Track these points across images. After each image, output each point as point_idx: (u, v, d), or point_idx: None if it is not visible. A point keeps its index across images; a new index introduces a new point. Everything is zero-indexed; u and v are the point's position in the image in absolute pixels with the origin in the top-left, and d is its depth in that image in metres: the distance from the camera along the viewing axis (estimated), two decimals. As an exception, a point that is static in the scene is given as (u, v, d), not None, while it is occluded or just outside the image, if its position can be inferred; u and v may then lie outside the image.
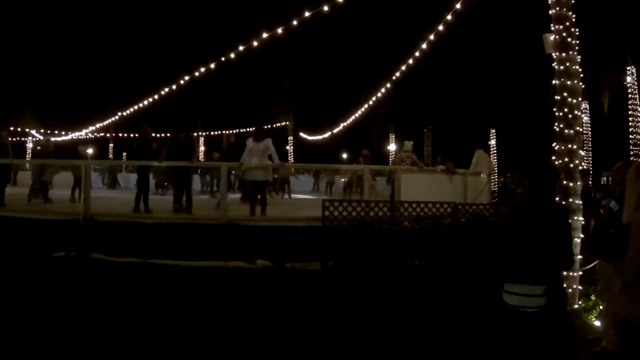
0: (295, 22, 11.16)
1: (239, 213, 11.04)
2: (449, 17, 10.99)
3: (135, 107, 17.51)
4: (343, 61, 41.94)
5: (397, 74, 14.92)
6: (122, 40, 42.53)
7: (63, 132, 34.52)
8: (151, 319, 6.47)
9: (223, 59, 12.67)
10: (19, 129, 34.49)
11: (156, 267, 9.18)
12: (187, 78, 13.88)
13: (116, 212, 11.16)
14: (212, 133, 36.07)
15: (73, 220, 10.52)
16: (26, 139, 36.84)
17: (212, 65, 12.91)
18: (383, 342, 5.90)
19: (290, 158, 34.55)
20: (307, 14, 11.02)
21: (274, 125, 36.30)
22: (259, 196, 11.41)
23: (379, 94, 17.53)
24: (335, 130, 25.35)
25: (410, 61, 13.62)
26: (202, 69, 13.27)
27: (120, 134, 35.85)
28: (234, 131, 33.09)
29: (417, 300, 7.52)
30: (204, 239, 9.84)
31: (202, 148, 37.05)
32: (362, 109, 20.50)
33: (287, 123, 36.30)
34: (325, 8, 10.62)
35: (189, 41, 46.62)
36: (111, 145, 38.51)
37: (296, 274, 9.31)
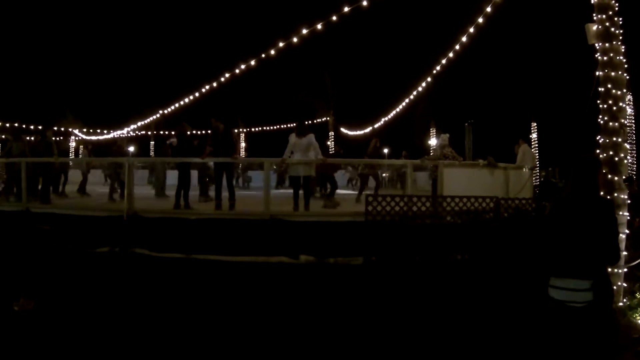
0: (334, 18, 11.20)
1: (281, 208, 11.11)
2: (488, 9, 10.86)
3: (176, 105, 17.85)
4: (383, 55, 41.57)
5: (438, 68, 14.81)
6: (161, 38, 43.14)
7: (105, 131, 35.41)
8: (194, 312, 6.65)
9: (263, 55, 12.74)
10: (62, 129, 35.33)
11: (199, 263, 9.34)
12: (227, 75, 13.99)
13: (159, 208, 11.43)
14: (253, 129, 36.43)
15: (117, 216, 10.80)
16: (69, 138, 37.86)
17: (252, 62, 12.99)
18: (427, 337, 5.93)
19: (331, 153, 34.61)
20: (346, 8, 11.03)
21: (315, 121, 36.46)
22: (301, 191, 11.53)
23: (420, 88, 17.44)
24: (376, 125, 25.14)
25: (451, 54, 13.51)
26: (242, 66, 13.36)
27: (162, 132, 36.46)
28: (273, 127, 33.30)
29: (460, 296, 7.50)
30: (246, 234, 9.95)
31: (242, 144, 37.55)
32: (403, 104, 20.40)
33: (328, 118, 36.43)
34: (365, 3, 10.62)
35: (229, 38, 47.17)
36: (152, 142, 39.13)
37: (339, 269, 9.35)
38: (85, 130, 38.23)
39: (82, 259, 9.60)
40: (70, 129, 37.88)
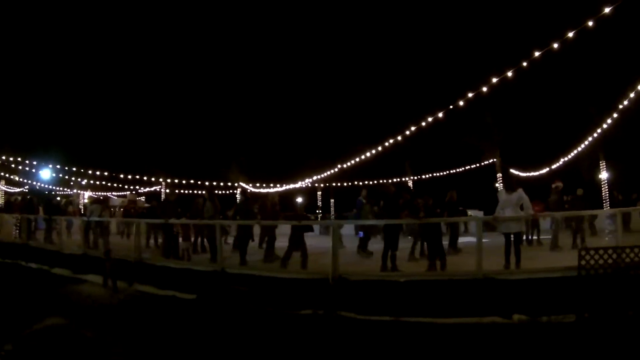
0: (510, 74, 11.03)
1: (491, 267, 10.66)
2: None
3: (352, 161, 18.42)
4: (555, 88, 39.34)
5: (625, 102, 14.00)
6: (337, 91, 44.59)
7: (272, 185, 37.06)
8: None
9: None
10: (228, 183, 37.43)
11: (408, 325, 9.10)
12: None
13: (364, 270, 11.35)
14: (422, 177, 36.11)
15: (321, 279, 10.87)
16: (235, 191, 40.08)
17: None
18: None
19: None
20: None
21: (481, 164, 35.52)
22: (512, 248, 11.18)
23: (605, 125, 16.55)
24: (554, 166, 23.98)
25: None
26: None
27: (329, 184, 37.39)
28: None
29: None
30: (457, 294, 9.73)
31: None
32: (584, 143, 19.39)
33: (495, 160, 35.18)
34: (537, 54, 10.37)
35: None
36: (319, 193, 40.23)
37: (552, 327, 8.93)
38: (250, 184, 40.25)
39: (282, 321, 9.67)
40: (237, 183, 40.23)
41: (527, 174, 29.91)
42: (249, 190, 35.94)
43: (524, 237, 13.33)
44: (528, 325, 9.05)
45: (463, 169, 35.43)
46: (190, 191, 35.51)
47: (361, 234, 15.34)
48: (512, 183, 11.65)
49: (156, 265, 13.98)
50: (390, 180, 31.53)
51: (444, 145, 36.85)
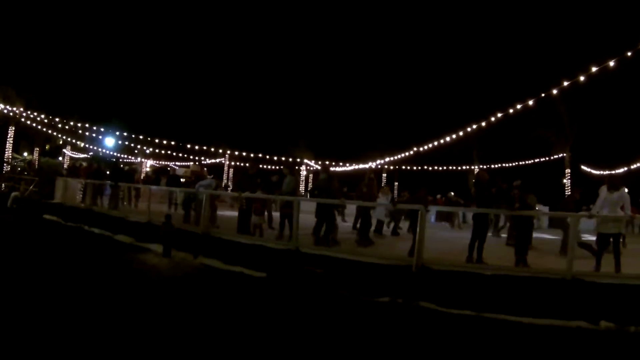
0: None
1: (580, 268, 10.12)
2: None
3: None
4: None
5: None
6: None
7: (341, 163, 37.08)
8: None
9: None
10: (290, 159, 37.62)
11: (490, 322, 8.79)
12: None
13: (449, 261, 10.87)
14: (491, 166, 35.37)
15: (403, 266, 10.52)
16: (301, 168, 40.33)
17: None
18: None
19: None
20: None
21: (549, 158, 34.49)
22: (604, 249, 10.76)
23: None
24: (633, 166, 22.87)
25: None
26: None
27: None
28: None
29: None
30: (543, 293, 9.36)
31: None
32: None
33: (564, 155, 34.01)
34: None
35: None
36: (384, 175, 40.03)
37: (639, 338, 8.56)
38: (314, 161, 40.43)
39: (357, 306, 9.45)
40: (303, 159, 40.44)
41: (601, 172, 28.72)
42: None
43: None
44: (615, 334, 8.72)
45: (532, 161, 34.50)
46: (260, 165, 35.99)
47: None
48: (615, 181, 11.05)
49: (223, 238, 13.81)
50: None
51: (513, 135, 35.76)
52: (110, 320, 7.39)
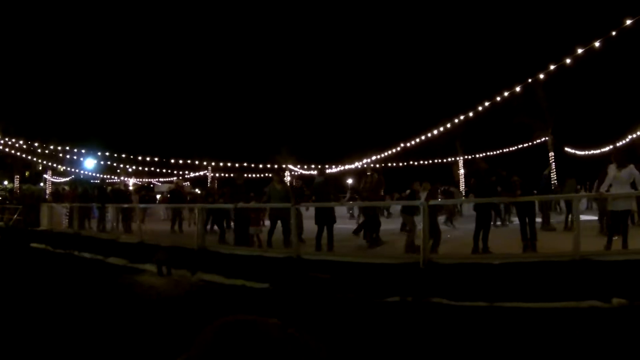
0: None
1: (588, 247, 10.20)
2: None
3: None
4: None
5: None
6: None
7: (329, 166, 36.94)
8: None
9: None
10: (276, 166, 37.42)
11: (504, 311, 8.68)
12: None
13: (456, 253, 10.90)
14: (470, 157, 35.44)
15: (411, 263, 10.39)
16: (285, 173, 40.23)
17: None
18: None
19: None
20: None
21: (532, 143, 34.61)
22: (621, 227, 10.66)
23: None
24: (619, 143, 22.92)
25: None
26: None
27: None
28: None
29: None
30: (554, 276, 9.29)
31: (461, 171, 36.93)
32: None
33: (547, 139, 34.07)
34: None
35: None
36: (368, 174, 39.93)
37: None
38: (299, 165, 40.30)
39: (367, 308, 9.28)
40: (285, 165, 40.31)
41: (585, 152, 28.85)
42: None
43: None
44: (628, 309, 8.65)
45: (515, 147, 34.64)
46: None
47: None
48: (622, 159, 10.96)
49: (221, 252, 13.55)
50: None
51: (493, 123, 35.87)
52: (112, 346, 7.15)
